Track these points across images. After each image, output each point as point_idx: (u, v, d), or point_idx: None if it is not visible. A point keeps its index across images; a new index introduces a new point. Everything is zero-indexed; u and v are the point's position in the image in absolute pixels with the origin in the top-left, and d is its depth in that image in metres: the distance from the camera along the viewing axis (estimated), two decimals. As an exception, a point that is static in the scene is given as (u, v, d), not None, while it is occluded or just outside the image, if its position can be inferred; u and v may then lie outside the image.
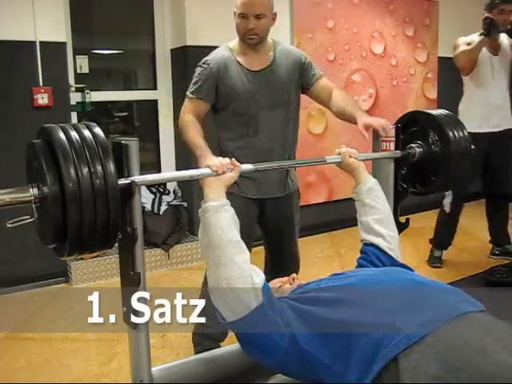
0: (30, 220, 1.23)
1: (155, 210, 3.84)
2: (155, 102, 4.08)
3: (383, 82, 4.86)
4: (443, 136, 1.88)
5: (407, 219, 1.92)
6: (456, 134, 1.88)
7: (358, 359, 1.18)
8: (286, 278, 1.60)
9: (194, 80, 2.21)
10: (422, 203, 3.18)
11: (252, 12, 2.07)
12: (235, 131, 2.20)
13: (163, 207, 3.87)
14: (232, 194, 1.78)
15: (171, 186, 4.06)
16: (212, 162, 1.46)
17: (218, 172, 1.44)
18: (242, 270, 1.28)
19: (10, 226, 1.21)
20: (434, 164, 1.91)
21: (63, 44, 3.49)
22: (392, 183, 1.93)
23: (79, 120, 3.69)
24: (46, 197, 1.17)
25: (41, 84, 3.38)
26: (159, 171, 4.03)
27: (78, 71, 3.71)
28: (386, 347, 1.14)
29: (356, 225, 1.72)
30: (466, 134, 1.91)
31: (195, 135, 2.08)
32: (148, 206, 3.82)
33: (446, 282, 3.15)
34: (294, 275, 1.60)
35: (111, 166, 1.20)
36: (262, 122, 2.17)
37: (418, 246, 3.97)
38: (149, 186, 3.90)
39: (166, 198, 3.94)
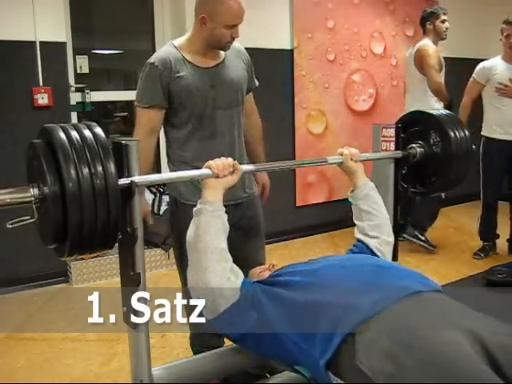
0: (30, 220, 1.23)
1: (155, 210, 3.83)
2: (155, 102, 4.08)
3: (383, 82, 4.85)
4: (444, 136, 1.88)
5: (406, 219, 1.93)
6: (457, 134, 1.88)
7: (320, 337, 1.27)
8: (266, 266, 1.71)
9: (141, 87, 1.99)
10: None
11: (240, 21, 1.94)
12: (192, 135, 2.01)
13: (163, 207, 3.86)
14: (190, 205, 1.68)
15: (171, 186, 4.04)
16: (213, 162, 1.46)
17: (218, 175, 1.45)
18: (220, 277, 1.37)
19: (10, 226, 1.21)
20: (434, 164, 1.91)
21: (63, 44, 3.48)
22: (392, 183, 1.93)
23: (79, 120, 3.68)
24: (46, 197, 1.17)
25: (41, 84, 3.37)
26: (159, 171, 4.03)
27: (78, 71, 3.70)
28: (344, 323, 1.23)
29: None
30: (467, 134, 1.92)
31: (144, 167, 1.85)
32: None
33: (446, 282, 3.16)
34: (273, 262, 1.69)
35: (111, 166, 1.20)
36: (218, 122, 2.01)
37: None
38: (149, 186, 3.89)
39: (166, 198, 3.93)
